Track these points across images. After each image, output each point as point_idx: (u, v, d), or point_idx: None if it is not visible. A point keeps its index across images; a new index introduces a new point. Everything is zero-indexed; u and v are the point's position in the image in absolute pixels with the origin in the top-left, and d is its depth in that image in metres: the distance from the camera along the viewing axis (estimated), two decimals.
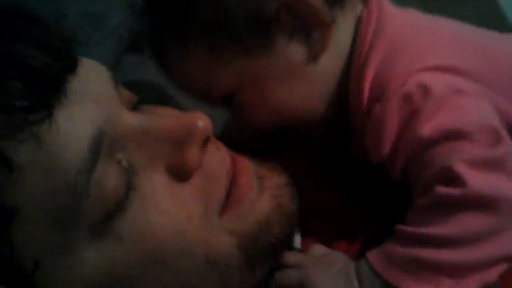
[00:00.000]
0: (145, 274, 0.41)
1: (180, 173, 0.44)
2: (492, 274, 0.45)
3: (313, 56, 0.52)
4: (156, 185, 0.42)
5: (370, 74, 0.51)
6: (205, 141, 0.45)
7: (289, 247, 0.54)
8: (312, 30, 0.51)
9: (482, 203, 0.44)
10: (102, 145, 0.39)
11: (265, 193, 0.48)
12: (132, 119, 0.43)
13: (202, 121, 0.44)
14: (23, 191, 0.36)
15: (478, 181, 0.44)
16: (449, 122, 0.47)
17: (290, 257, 0.51)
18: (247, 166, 0.49)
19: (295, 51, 0.52)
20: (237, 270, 0.46)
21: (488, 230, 0.44)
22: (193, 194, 0.44)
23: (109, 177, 0.40)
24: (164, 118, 0.45)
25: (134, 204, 0.41)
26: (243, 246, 0.46)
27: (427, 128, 0.47)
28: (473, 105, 0.48)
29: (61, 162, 0.37)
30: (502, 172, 0.45)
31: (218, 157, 0.47)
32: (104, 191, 0.39)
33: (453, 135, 0.46)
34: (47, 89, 0.38)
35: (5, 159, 0.35)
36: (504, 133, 0.47)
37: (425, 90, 0.47)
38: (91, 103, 0.40)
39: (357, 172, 0.60)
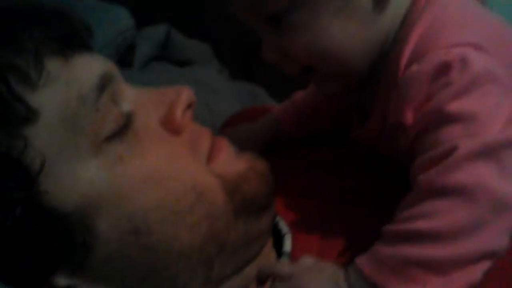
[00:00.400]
0: (139, 193, 0.48)
1: (171, 127, 0.52)
2: (477, 273, 0.45)
3: (376, 1, 0.52)
4: (151, 126, 0.51)
5: (414, 38, 0.51)
6: (189, 106, 0.54)
7: (280, 250, 0.58)
8: None
9: (460, 192, 0.45)
10: (108, 83, 0.49)
11: (241, 158, 0.57)
12: (130, 86, 0.53)
13: (187, 89, 0.54)
14: (46, 96, 0.45)
15: (465, 170, 0.45)
16: (475, 107, 0.47)
17: (282, 268, 0.53)
18: (223, 138, 0.57)
19: None
20: (222, 211, 0.51)
21: (469, 222, 0.45)
22: (183, 143, 0.53)
23: (113, 105, 0.49)
24: (155, 89, 0.55)
25: (132, 132, 0.49)
26: (227, 189, 0.52)
27: (454, 104, 0.47)
28: (501, 99, 0.49)
29: (77, 80, 0.47)
30: (494, 164, 0.46)
31: (202, 126, 0.57)
32: (110, 111, 0.48)
33: (471, 120, 0.47)
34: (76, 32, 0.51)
35: (42, 65, 0.45)
36: None
37: (465, 64, 0.48)
38: (103, 59, 0.52)
39: (354, 177, 0.62)
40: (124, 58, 0.93)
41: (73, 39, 0.49)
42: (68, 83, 0.46)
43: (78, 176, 0.45)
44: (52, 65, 0.46)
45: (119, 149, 0.47)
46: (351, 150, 0.68)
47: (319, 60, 0.55)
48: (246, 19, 0.56)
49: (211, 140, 0.56)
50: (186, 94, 0.53)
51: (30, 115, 0.44)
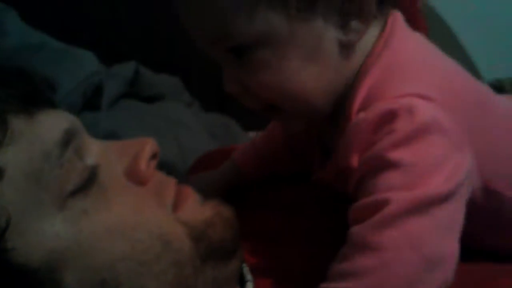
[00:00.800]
0: (106, 245, 0.48)
1: (135, 178, 0.53)
2: None
3: (345, 44, 0.52)
4: (115, 178, 0.52)
5: (365, 86, 0.52)
6: (153, 156, 0.54)
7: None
8: (355, 18, 0.51)
9: (392, 250, 0.46)
10: (72, 138, 0.49)
11: (207, 204, 0.57)
12: (95, 140, 0.54)
13: (150, 141, 0.55)
14: (10, 154, 0.45)
15: (397, 227, 0.46)
16: (415, 158, 0.47)
17: None
18: (188, 186, 0.58)
19: (330, 31, 0.51)
20: (189, 257, 0.52)
21: (402, 283, 0.45)
22: (148, 193, 0.53)
23: (78, 159, 0.49)
24: (119, 141, 0.56)
25: (97, 186, 0.49)
26: (193, 236, 0.53)
27: (394, 152, 0.47)
28: (447, 152, 0.48)
29: (41, 136, 0.47)
30: (428, 221, 0.46)
31: (166, 176, 0.58)
32: (74, 166, 0.48)
33: (410, 170, 0.47)
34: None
35: (6, 124, 0.46)
36: (460, 192, 0.48)
37: (411, 114, 0.48)
38: (66, 114, 0.52)
39: (316, 218, 0.62)
40: (91, 101, 0.93)
41: (35, 96, 0.50)
42: (32, 140, 0.47)
43: (44, 231, 0.46)
44: (16, 123, 0.47)
45: (84, 204, 0.48)
46: (313, 190, 0.68)
47: (280, 100, 0.54)
48: (206, 46, 0.55)
49: (176, 189, 0.56)
50: (150, 146, 0.54)
51: None
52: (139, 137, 0.56)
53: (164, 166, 0.60)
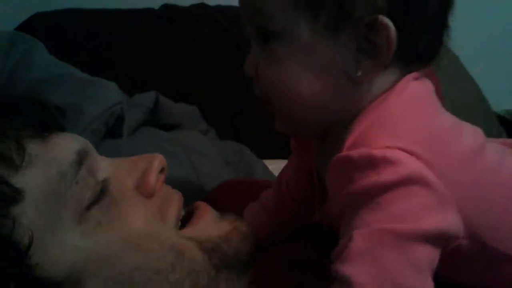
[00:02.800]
0: (122, 255, 0.51)
1: (145, 191, 0.57)
2: None
3: (351, 78, 0.52)
4: (126, 190, 0.55)
5: (356, 132, 0.52)
6: (161, 170, 0.58)
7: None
8: (369, 58, 0.51)
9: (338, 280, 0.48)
10: (84, 157, 0.53)
11: (224, 220, 0.61)
12: (105, 158, 0.58)
13: (158, 156, 0.59)
14: (29, 176, 0.48)
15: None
16: (394, 204, 0.47)
17: None
18: (205, 204, 0.62)
19: (343, 59, 0.52)
20: (203, 267, 0.55)
21: None
22: (154, 207, 0.57)
23: (90, 176, 0.53)
24: (128, 157, 0.59)
25: (109, 197, 0.53)
26: (205, 248, 0.56)
27: (377, 196, 0.48)
28: (429, 203, 0.48)
29: (56, 158, 0.51)
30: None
31: (172, 189, 0.62)
32: (88, 182, 0.52)
33: (388, 211, 0.48)
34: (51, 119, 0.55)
35: (23, 148, 0.49)
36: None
37: (394, 164, 0.48)
38: (77, 137, 0.56)
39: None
40: (113, 129, 0.98)
41: (48, 122, 0.54)
42: (48, 161, 0.50)
43: (65, 245, 0.49)
44: (32, 147, 0.50)
45: (98, 215, 0.51)
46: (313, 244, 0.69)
47: (277, 97, 0.56)
48: (245, 20, 0.56)
49: (180, 204, 0.60)
50: (158, 160, 0.58)
51: (16, 195, 0.47)
52: (147, 153, 0.60)
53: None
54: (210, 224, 0.60)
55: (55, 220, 0.49)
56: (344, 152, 0.51)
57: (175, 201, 0.60)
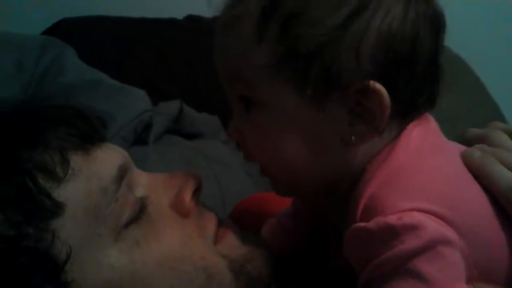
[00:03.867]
0: (156, 276, 0.51)
1: (180, 210, 0.56)
2: None
3: (343, 142, 0.50)
4: (162, 209, 0.55)
5: (367, 194, 0.49)
6: (198, 188, 0.58)
7: None
8: (364, 123, 0.49)
9: None
10: (125, 173, 0.53)
11: (246, 239, 0.60)
12: (143, 172, 0.58)
13: (195, 174, 0.59)
14: (71, 190, 0.48)
15: None
16: (425, 269, 0.46)
17: None
18: (228, 220, 0.63)
19: (335, 125, 0.49)
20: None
21: None
22: (191, 224, 0.57)
23: (130, 192, 0.53)
24: (166, 173, 0.59)
25: (146, 216, 0.53)
26: (233, 268, 0.56)
27: (411, 263, 0.46)
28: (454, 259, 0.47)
29: (98, 173, 0.51)
30: None
31: (208, 209, 0.61)
32: (127, 199, 0.52)
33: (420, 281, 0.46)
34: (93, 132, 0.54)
35: (67, 161, 0.49)
36: None
37: (416, 230, 0.46)
38: (118, 150, 0.56)
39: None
40: (140, 136, 1.00)
41: (91, 134, 0.53)
42: (90, 176, 0.50)
43: (101, 263, 0.49)
44: (75, 160, 0.50)
45: (136, 234, 0.51)
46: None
47: (269, 165, 0.54)
48: (225, 85, 0.54)
49: (217, 222, 0.59)
50: (194, 179, 0.58)
51: (57, 209, 0.47)
52: (185, 170, 0.60)
53: (203, 200, 0.62)
54: (233, 242, 0.59)
55: (93, 237, 0.49)
56: (360, 224, 0.48)
57: (212, 219, 0.59)
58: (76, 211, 0.48)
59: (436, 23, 0.51)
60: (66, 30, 1.53)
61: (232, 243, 0.59)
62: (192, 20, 1.64)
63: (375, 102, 0.48)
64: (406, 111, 0.51)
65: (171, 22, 1.63)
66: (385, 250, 0.46)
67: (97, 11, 1.61)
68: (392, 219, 0.46)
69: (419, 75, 0.50)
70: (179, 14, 1.66)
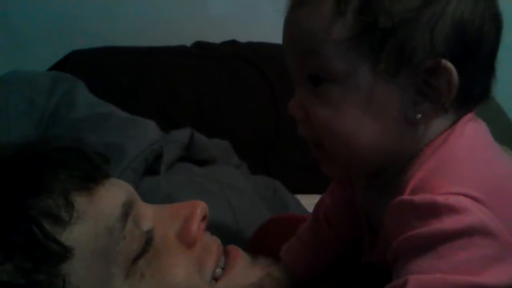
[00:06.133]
0: None
1: (186, 240, 0.57)
2: None
3: (409, 121, 0.52)
4: (168, 240, 0.56)
5: (418, 176, 0.51)
6: (203, 218, 0.59)
7: None
8: (429, 102, 0.51)
9: None
10: (130, 209, 0.54)
11: (257, 265, 0.61)
12: (148, 205, 0.59)
13: (200, 204, 0.59)
14: (78, 232, 0.48)
15: None
16: (456, 256, 0.46)
17: None
18: (237, 249, 0.62)
19: (401, 102, 0.51)
20: None
21: None
22: (193, 258, 0.57)
23: (136, 228, 0.53)
24: (171, 204, 0.60)
25: (152, 249, 0.54)
26: None
27: (440, 244, 0.46)
28: (494, 254, 0.46)
29: (103, 213, 0.51)
30: None
31: (211, 237, 0.62)
32: (134, 235, 0.52)
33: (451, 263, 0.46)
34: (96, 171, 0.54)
35: (71, 204, 0.49)
36: None
37: (459, 213, 0.46)
38: (121, 185, 0.57)
39: None
40: (151, 166, 1.01)
41: (93, 173, 0.53)
42: (95, 217, 0.50)
43: None
44: (79, 202, 0.50)
45: (142, 267, 0.52)
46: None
47: (330, 139, 0.55)
48: (294, 65, 0.56)
49: (218, 253, 0.60)
50: (200, 209, 0.58)
51: (65, 253, 0.47)
52: (190, 200, 0.60)
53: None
54: (242, 271, 0.59)
55: (104, 277, 0.49)
56: (406, 197, 0.49)
57: (213, 252, 0.59)
58: (85, 253, 0.48)
59: (498, 22, 0.54)
60: (76, 62, 1.56)
61: (237, 276, 0.59)
62: (200, 46, 1.67)
63: (443, 81, 0.50)
64: (463, 99, 0.52)
65: (179, 50, 1.65)
66: (421, 225, 0.47)
67: (106, 42, 1.64)
68: (439, 197, 0.47)
69: (481, 65, 0.53)
70: (187, 42, 1.68)
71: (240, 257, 0.61)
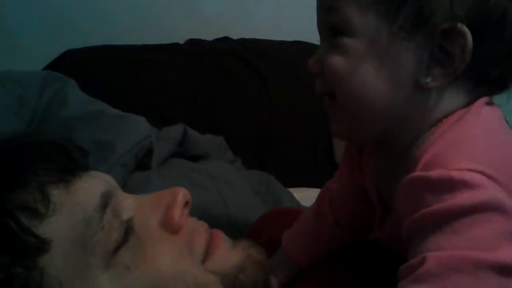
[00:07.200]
0: None
1: (170, 227, 0.56)
2: None
3: (419, 85, 0.52)
4: (151, 229, 0.56)
5: (433, 150, 0.51)
6: (186, 204, 0.58)
7: None
8: (441, 67, 0.51)
9: None
10: (109, 200, 0.53)
11: (237, 247, 0.61)
12: (129, 195, 0.58)
13: (181, 190, 0.58)
14: (55, 225, 0.48)
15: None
16: (474, 229, 0.45)
17: None
18: (219, 232, 0.62)
19: (414, 63, 0.51)
20: None
21: None
22: (182, 243, 0.57)
23: (115, 218, 0.53)
24: (153, 193, 0.59)
25: (134, 238, 0.53)
26: (226, 282, 0.57)
27: (453, 220, 0.46)
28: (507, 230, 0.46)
29: (81, 204, 0.51)
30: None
31: (198, 221, 0.62)
32: (113, 225, 0.52)
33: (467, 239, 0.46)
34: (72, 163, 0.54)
35: (47, 197, 0.49)
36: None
37: (473, 189, 0.46)
38: (100, 177, 0.56)
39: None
40: (143, 162, 1.01)
41: (71, 165, 0.53)
42: (73, 208, 0.50)
43: None
44: (56, 194, 0.50)
45: (125, 259, 0.52)
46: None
47: (341, 91, 0.55)
48: (320, 18, 0.56)
49: (207, 235, 0.60)
50: (181, 195, 0.58)
51: (43, 245, 0.47)
52: (171, 188, 0.59)
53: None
54: (224, 253, 0.60)
55: (83, 268, 0.49)
56: (421, 173, 0.49)
57: (202, 233, 0.60)
58: (63, 245, 0.48)
59: None
60: (71, 61, 1.57)
61: (221, 257, 0.59)
62: (193, 43, 1.67)
63: (458, 45, 0.49)
64: (479, 79, 0.52)
65: (172, 47, 1.66)
66: (436, 201, 0.47)
67: (100, 41, 1.65)
68: (455, 172, 0.46)
69: (502, 46, 0.51)
70: (180, 39, 1.69)
71: (222, 238, 0.61)
